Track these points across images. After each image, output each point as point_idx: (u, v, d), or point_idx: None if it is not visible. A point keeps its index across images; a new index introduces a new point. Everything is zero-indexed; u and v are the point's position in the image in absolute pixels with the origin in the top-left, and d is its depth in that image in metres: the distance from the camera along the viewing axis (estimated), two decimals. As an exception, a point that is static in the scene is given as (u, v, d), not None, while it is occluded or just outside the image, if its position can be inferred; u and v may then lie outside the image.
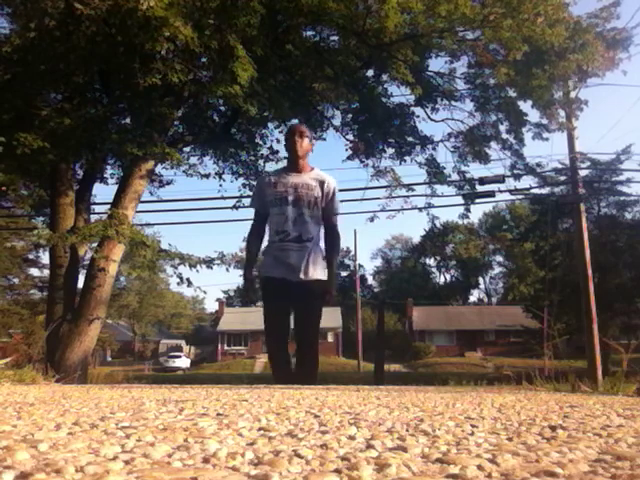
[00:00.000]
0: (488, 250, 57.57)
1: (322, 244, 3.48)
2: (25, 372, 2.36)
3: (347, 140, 9.76)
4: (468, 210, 11.21)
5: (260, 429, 0.85)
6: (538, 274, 28.84)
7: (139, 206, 8.21)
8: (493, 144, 9.85)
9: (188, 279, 8.03)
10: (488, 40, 7.79)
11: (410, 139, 9.64)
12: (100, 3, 5.86)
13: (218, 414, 1.03)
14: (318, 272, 3.35)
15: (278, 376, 3.31)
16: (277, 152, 9.50)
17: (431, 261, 61.39)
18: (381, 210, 10.69)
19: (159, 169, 9.03)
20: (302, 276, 3.29)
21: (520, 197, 17.49)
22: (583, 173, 14.98)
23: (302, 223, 3.31)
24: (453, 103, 9.53)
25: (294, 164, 3.43)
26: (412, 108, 9.55)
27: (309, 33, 8.44)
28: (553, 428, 0.91)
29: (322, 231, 3.49)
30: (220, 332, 42.16)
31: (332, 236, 3.48)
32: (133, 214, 7.70)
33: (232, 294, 58.16)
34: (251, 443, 0.74)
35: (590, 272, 12.04)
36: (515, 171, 10.46)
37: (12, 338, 19.51)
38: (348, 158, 9.77)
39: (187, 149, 9.45)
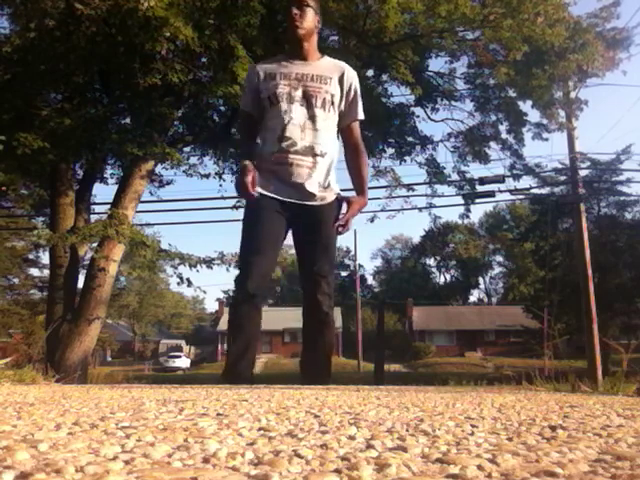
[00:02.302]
0: (488, 250, 57.59)
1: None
2: (25, 372, 2.35)
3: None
4: (468, 210, 11.25)
5: (260, 429, 0.85)
6: (538, 274, 28.86)
7: (139, 206, 8.23)
8: (493, 144, 9.87)
9: (188, 279, 8.04)
10: (488, 40, 7.81)
11: (410, 139, 9.66)
12: (100, 3, 5.87)
13: (218, 414, 1.03)
14: (334, 191, 2.49)
15: (234, 353, 2.36)
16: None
17: (431, 261, 61.47)
18: (381, 210, 10.72)
19: (159, 169, 9.04)
20: (314, 200, 2.41)
21: (520, 197, 17.50)
22: (583, 173, 15.00)
23: (314, 130, 2.40)
24: (453, 103, 9.56)
25: (296, 48, 2.48)
26: (412, 108, 9.58)
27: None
28: (553, 428, 0.91)
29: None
30: (220, 332, 42.13)
31: (358, 153, 2.56)
32: (133, 214, 7.71)
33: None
34: (251, 443, 0.74)
35: (590, 272, 12.06)
36: (515, 171, 10.48)
37: (12, 338, 19.50)
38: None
39: (187, 149, 9.45)
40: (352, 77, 2.51)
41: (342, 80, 2.48)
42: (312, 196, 2.41)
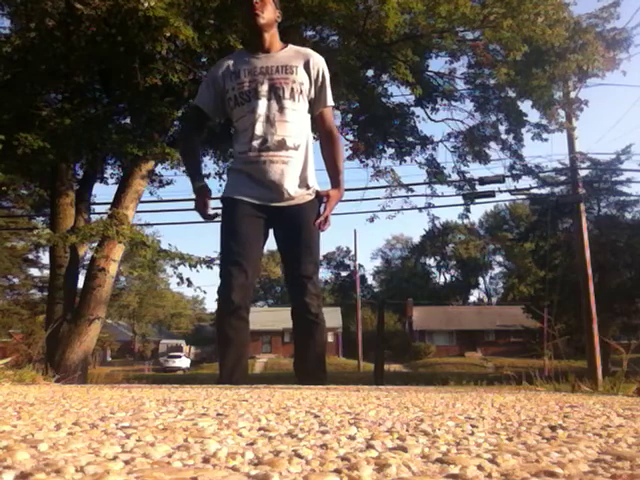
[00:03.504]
0: (488, 250, 57.61)
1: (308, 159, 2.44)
2: (25, 372, 2.35)
3: (347, 140, 9.77)
4: (468, 210, 11.27)
5: (260, 429, 0.85)
6: (538, 274, 28.83)
7: (139, 206, 8.23)
8: (493, 144, 9.88)
9: (188, 279, 8.03)
10: (488, 40, 7.81)
11: (410, 139, 9.66)
12: (100, 3, 5.87)
13: (218, 414, 1.03)
14: (312, 188, 2.40)
15: (226, 354, 2.32)
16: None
17: (431, 261, 61.51)
18: (381, 210, 10.72)
19: (159, 169, 9.04)
20: (292, 200, 2.34)
21: (520, 197, 17.50)
22: (583, 173, 15.01)
23: (284, 122, 2.32)
24: (453, 103, 9.56)
25: (257, 39, 2.40)
26: (412, 108, 9.58)
27: (309, 33, 8.45)
28: (553, 428, 0.91)
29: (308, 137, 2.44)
30: (220, 332, 42.07)
31: (331, 141, 2.49)
32: (133, 214, 7.71)
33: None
34: (251, 443, 0.74)
35: (590, 272, 12.05)
36: (515, 171, 10.50)
37: (12, 338, 19.50)
38: (348, 158, 9.78)
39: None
40: (319, 63, 2.43)
41: (308, 67, 2.39)
42: (290, 196, 2.34)
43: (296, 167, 2.35)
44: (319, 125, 2.49)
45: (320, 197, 2.44)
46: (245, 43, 2.54)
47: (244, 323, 2.35)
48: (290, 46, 2.47)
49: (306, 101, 2.41)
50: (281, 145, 2.32)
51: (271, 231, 2.47)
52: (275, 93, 2.33)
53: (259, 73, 2.35)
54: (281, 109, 2.33)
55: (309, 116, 2.45)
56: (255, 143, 2.31)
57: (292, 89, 2.34)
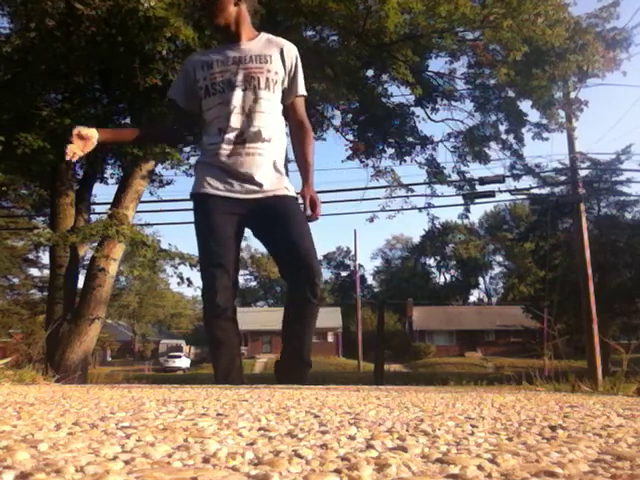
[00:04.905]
0: (488, 250, 57.64)
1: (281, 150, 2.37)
2: (25, 372, 2.35)
3: (347, 140, 9.78)
4: (468, 210, 11.28)
5: (260, 429, 0.85)
6: (538, 274, 28.83)
7: (139, 206, 8.23)
8: (493, 144, 9.88)
9: (188, 279, 8.03)
10: (488, 40, 7.81)
11: (410, 139, 9.68)
12: (100, 3, 5.87)
13: (218, 414, 1.03)
14: (288, 185, 2.33)
15: (217, 350, 2.30)
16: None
17: (431, 261, 61.54)
18: (381, 210, 10.72)
19: (159, 169, 9.04)
20: (270, 192, 2.25)
21: (520, 197, 17.50)
22: (583, 173, 15.01)
23: (259, 113, 2.24)
24: (453, 103, 9.57)
25: (226, 34, 2.35)
26: (412, 108, 9.59)
27: (309, 33, 8.46)
28: (553, 428, 0.91)
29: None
30: (220, 332, 42.04)
31: (302, 132, 2.40)
32: (133, 214, 7.71)
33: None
34: (251, 443, 0.74)
35: (590, 272, 12.05)
36: (515, 171, 10.51)
37: (12, 338, 19.50)
38: (348, 158, 9.80)
39: (187, 149, 9.44)
40: (292, 51, 2.35)
41: (283, 55, 2.31)
42: (267, 187, 2.25)
43: (271, 159, 2.28)
44: (290, 115, 2.41)
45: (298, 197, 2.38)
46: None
47: (233, 324, 2.32)
48: (262, 34, 2.39)
49: (280, 91, 2.34)
50: (257, 137, 2.24)
51: (252, 227, 2.39)
52: (250, 83, 2.26)
53: (232, 63, 2.28)
54: (256, 100, 2.25)
55: (282, 106, 2.38)
56: (230, 135, 2.24)
57: (267, 79, 2.27)
